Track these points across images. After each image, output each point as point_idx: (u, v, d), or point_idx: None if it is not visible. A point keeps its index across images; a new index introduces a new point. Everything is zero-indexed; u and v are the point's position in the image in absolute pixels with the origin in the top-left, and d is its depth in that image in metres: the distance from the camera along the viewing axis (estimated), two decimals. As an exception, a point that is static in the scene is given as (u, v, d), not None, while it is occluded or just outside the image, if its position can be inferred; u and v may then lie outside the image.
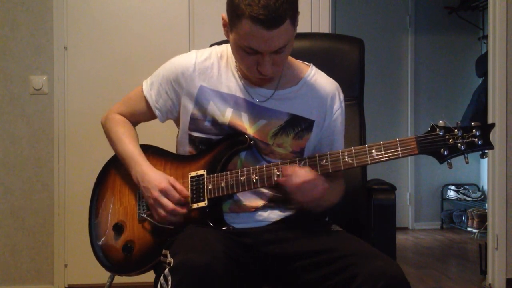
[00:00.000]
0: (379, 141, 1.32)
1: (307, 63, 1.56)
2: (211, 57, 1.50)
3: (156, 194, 1.39)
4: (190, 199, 1.42)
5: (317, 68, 1.56)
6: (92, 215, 1.55)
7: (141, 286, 2.56)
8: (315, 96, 1.49)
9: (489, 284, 3.11)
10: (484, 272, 3.24)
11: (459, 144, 1.26)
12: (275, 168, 1.37)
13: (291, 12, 1.28)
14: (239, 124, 1.45)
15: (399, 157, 1.30)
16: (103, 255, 1.50)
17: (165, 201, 1.38)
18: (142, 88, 1.56)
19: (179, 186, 1.41)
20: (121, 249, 1.46)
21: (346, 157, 1.34)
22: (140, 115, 1.58)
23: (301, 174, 1.34)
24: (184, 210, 1.39)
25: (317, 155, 1.37)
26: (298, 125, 1.47)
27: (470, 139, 1.26)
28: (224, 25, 1.38)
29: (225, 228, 1.40)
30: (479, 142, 1.26)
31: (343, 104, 1.54)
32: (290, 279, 1.36)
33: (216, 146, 1.46)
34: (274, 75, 1.41)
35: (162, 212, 1.39)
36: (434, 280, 3.36)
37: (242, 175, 1.39)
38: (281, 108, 1.46)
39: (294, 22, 1.32)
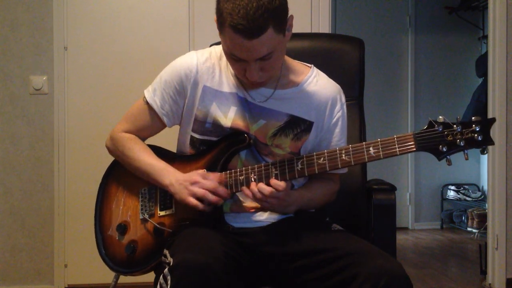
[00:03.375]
0: (378, 139, 1.30)
1: (308, 65, 1.55)
2: (211, 57, 1.50)
3: (196, 177, 1.37)
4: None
5: (317, 68, 1.55)
6: (97, 215, 1.56)
7: (141, 286, 2.56)
8: (316, 97, 1.48)
9: (489, 284, 3.11)
10: (484, 272, 3.24)
11: (458, 140, 1.23)
12: (273, 167, 1.37)
13: (274, 20, 1.26)
14: (241, 124, 1.45)
15: (396, 155, 1.28)
16: (108, 255, 1.50)
17: (204, 181, 1.37)
18: (143, 100, 1.52)
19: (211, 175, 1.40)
20: (124, 249, 1.47)
21: (344, 155, 1.33)
22: (148, 128, 1.54)
23: (262, 187, 1.34)
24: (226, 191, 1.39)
25: (314, 153, 1.36)
26: (298, 126, 1.46)
27: (469, 135, 1.23)
28: (218, 28, 1.37)
29: (225, 227, 1.40)
30: (479, 138, 1.22)
31: (344, 106, 1.52)
32: (291, 278, 1.36)
33: (216, 145, 1.45)
34: (263, 80, 1.39)
35: (202, 192, 1.36)
36: (434, 280, 3.36)
37: (241, 175, 1.39)
38: (281, 109, 1.46)
39: (280, 28, 1.29)
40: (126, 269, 1.48)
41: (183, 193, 1.37)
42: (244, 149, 1.44)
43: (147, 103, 1.51)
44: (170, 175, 1.42)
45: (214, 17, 1.34)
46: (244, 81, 1.42)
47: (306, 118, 1.47)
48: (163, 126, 1.53)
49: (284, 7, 1.29)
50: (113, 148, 1.55)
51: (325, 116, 1.49)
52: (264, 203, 1.37)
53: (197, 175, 1.38)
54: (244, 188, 1.37)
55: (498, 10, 3.05)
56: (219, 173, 1.41)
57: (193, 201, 1.36)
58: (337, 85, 1.54)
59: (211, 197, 1.35)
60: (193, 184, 1.37)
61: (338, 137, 1.51)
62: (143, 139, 1.56)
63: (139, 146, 1.51)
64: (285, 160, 1.38)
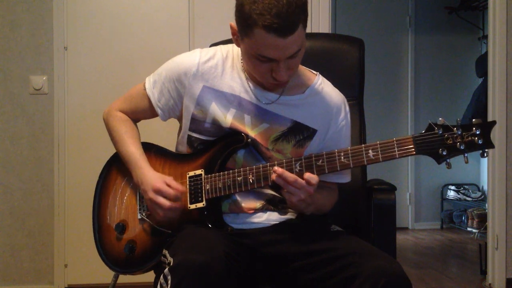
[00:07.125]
0: (377, 141, 1.30)
1: (314, 72, 1.54)
2: (215, 57, 1.48)
3: (152, 194, 1.39)
4: (188, 200, 1.42)
5: (318, 68, 1.55)
6: (95, 215, 1.56)
7: (141, 286, 2.57)
8: (321, 105, 1.48)
9: (489, 284, 3.11)
10: (484, 272, 3.24)
11: (458, 144, 1.22)
12: (271, 168, 1.36)
13: (303, 16, 1.27)
14: (240, 126, 1.44)
15: (396, 158, 1.27)
16: (107, 254, 1.50)
17: (161, 200, 1.38)
18: (144, 85, 1.54)
19: (174, 184, 1.40)
20: (123, 248, 1.47)
21: (342, 157, 1.32)
22: (142, 112, 1.57)
23: (288, 174, 1.31)
24: (179, 204, 1.39)
25: (313, 155, 1.35)
26: (301, 133, 1.45)
27: (469, 138, 1.21)
28: (233, 34, 1.36)
29: (224, 228, 1.40)
30: (479, 141, 1.21)
31: (348, 116, 1.51)
32: (290, 279, 1.35)
33: (213, 145, 1.45)
34: (289, 79, 1.39)
35: (160, 211, 1.39)
36: (434, 280, 3.36)
37: (239, 175, 1.39)
38: (286, 114, 1.45)
39: (306, 24, 1.30)
40: (125, 269, 1.48)
41: (146, 198, 1.42)
42: (241, 149, 1.43)
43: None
44: (138, 171, 1.45)
45: (231, 23, 1.33)
46: (265, 83, 1.41)
47: (310, 126, 1.46)
48: (158, 115, 1.55)
49: (307, 2, 1.30)
50: (106, 123, 1.59)
51: (330, 125, 1.48)
52: (295, 196, 1.31)
53: (162, 182, 1.40)
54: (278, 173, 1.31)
55: (498, 10, 3.05)
56: (181, 185, 1.42)
57: (156, 212, 1.40)
58: (341, 94, 1.53)
59: (166, 209, 1.38)
60: (156, 191, 1.38)
61: (341, 146, 1.48)
62: (136, 120, 1.60)
63: (125, 129, 1.54)
64: (284, 161, 1.37)
